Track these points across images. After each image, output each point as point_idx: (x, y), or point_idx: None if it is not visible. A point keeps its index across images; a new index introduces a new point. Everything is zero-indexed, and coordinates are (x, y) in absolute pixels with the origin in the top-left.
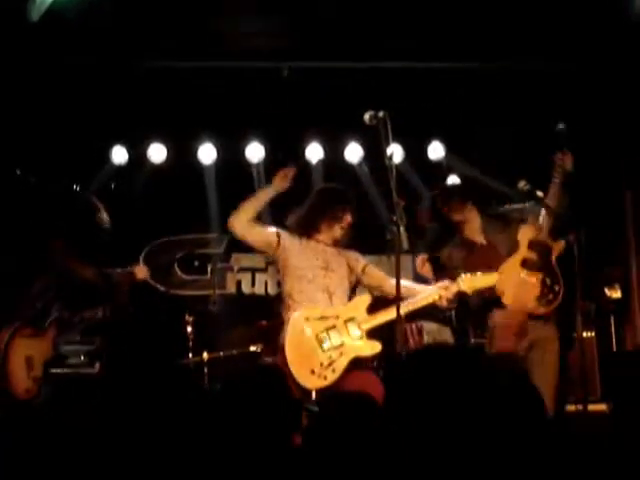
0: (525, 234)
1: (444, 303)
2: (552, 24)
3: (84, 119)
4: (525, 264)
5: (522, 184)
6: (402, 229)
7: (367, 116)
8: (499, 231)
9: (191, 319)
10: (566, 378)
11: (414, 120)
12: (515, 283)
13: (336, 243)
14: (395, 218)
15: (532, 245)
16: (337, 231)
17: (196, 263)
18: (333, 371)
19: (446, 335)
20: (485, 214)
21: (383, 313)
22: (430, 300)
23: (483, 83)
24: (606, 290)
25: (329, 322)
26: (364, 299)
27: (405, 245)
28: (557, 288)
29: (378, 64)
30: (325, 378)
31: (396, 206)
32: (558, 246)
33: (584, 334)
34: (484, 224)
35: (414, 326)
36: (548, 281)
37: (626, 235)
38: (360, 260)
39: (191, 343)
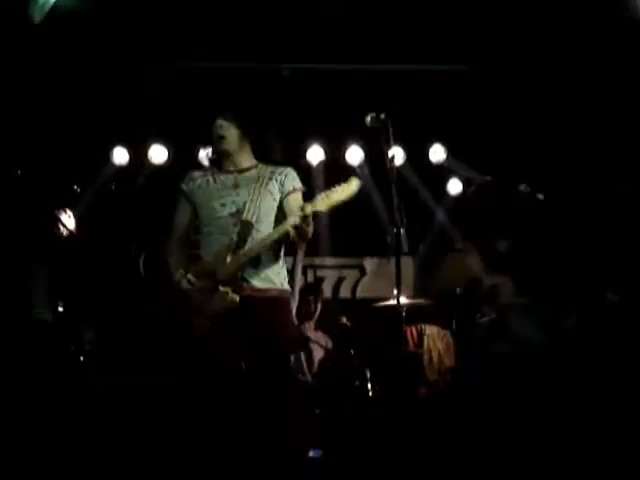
0: None
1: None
2: (551, 27)
3: (85, 120)
4: None
5: (523, 187)
6: (403, 231)
7: (368, 118)
8: None
9: None
10: None
11: (415, 123)
12: None
13: None
14: (396, 220)
15: None
16: None
17: None
18: None
19: (446, 338)
20: None
21: None
22: (282, 231)
23: (484, 86)
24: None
25: None
26: None
27: (406, 247)
28: None
29: (380, 66)
30: None
31: (397, 208)
32: None
33: None
34: None
35: (414, 329)
36: None
37: None
38: None
39: None
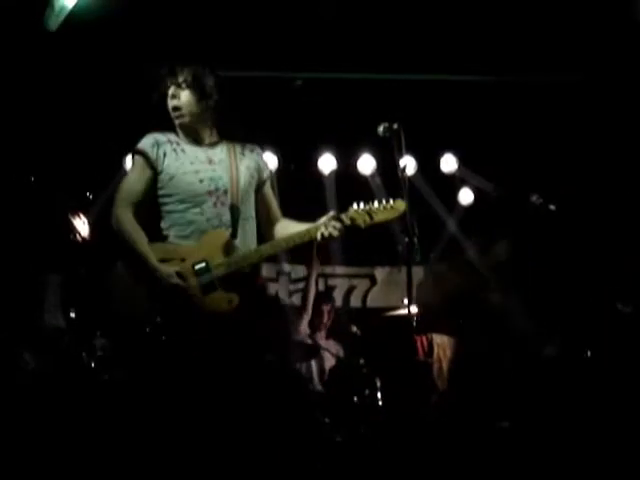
0: None
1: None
2: (565, 37)
3: (98, 127)
4: None
5: (535, 198)
6: (414, 241)
7: (381, 128)
8: None
9: None
10: None
11: (427, 132)
12: None
13: None
14: (407, 230)
15: None
16: None
17: None
18: None
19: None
20: None
21: None
22: (306, 239)
23: (496, 96)
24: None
25: None
26: None
27: (417, 257)
28: None
29: (392, 76)
30: None
31: (408, 218)
32: None
33: None
34: None
35: (424, 338)
36: None
37: None
38: None
39: None
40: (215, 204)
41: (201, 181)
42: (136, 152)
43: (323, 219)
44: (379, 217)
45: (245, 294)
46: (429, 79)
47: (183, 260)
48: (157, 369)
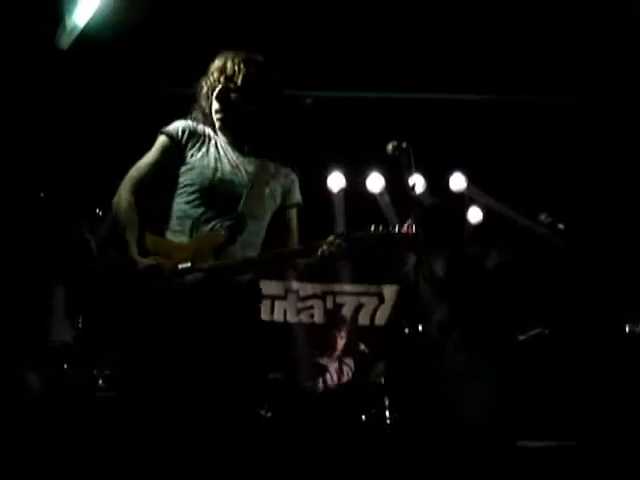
0: None
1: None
2: (573, 56)
3: (109, 143)
4: None
5: (543, 217)
6: (422, 259)
7: (390, 146)
8: None
9: None
10: None
11: (436, 151)
12: None
13: None
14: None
15: None
16: None
17: None
18: None
19: None
20: None
21: None
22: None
23: (505, 115)
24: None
25: None
26: None
27: (425, 275)
28: None
29: (401, 95)
30: None
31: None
32: None
33: None
34: None
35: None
36: None
37: None
38: None
39: None
40: (224, 208)
41: (221, 181)
42: (163, 132)
43: (329, 243)
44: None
45: (232, 306)
46: (438, 98)
47: (169, 256)
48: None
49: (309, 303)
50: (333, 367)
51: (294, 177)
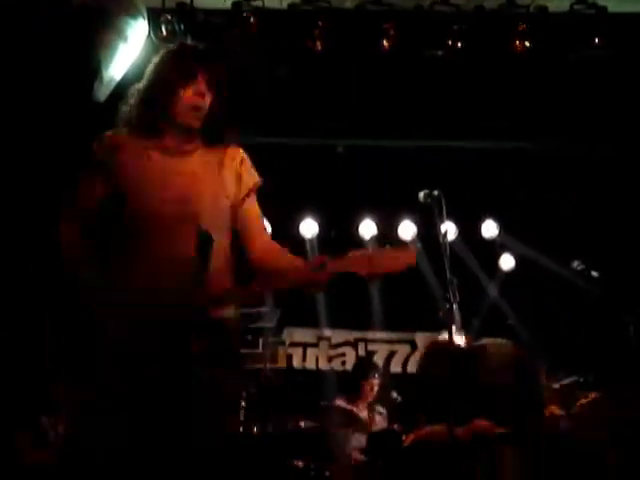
0: None
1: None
2: (600, 109)
3: None
4: None
5: (576, 264)
6: (455, 307)
7: (422, 194)
8: None
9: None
10: None
11: (468, 199)
12: None
13: None
14: (448, 296)
15: None
16: None
17: (249, 337)
18: None
19: None
20: None
21: None
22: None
23: (536, 163)
24: None
25: None
26: None
27: (458, 323)
28: None
29: (433, 142)
30: None
31: (449, 284)
32: None
33: None
34: None
35: None
36: None
37: None
38: None
39: (242, 417)
40: (183, 231)
41: (162, 201)
42: (88, 162)
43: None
44: (386, 265)
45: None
46: (470, 146)
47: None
48: None
49: (341, 350)
50: (364, 415)
51: (242, 154)
